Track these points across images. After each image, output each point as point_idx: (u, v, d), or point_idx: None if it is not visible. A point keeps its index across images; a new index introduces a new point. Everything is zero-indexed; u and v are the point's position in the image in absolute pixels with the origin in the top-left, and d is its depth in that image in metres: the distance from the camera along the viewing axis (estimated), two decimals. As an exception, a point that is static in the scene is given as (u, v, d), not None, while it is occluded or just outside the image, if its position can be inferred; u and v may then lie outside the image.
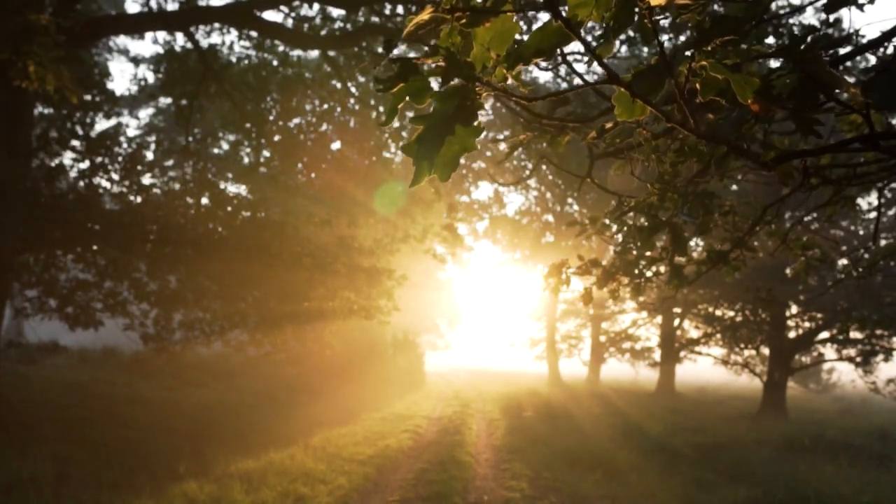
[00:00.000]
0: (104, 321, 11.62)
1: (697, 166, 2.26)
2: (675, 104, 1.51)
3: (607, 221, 3.71)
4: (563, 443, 12.91)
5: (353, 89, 16.11)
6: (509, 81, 1.35)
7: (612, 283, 3.49)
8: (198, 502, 7.30)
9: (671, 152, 2.13)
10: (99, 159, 11.81)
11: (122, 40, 29.36)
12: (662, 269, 3.94)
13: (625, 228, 3.24)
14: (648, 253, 3.78)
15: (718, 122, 1.42)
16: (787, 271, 20.63)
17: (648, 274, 3.59)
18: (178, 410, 13.86)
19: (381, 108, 17.42)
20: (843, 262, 19.45)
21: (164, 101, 27.89)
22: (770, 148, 1.65)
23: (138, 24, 12.55)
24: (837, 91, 1.30)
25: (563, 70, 15.02)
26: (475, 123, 1.26)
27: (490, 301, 50.40)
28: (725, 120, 1.39)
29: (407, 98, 1.33)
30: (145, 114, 31.20)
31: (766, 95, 1.25)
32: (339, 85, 17.35)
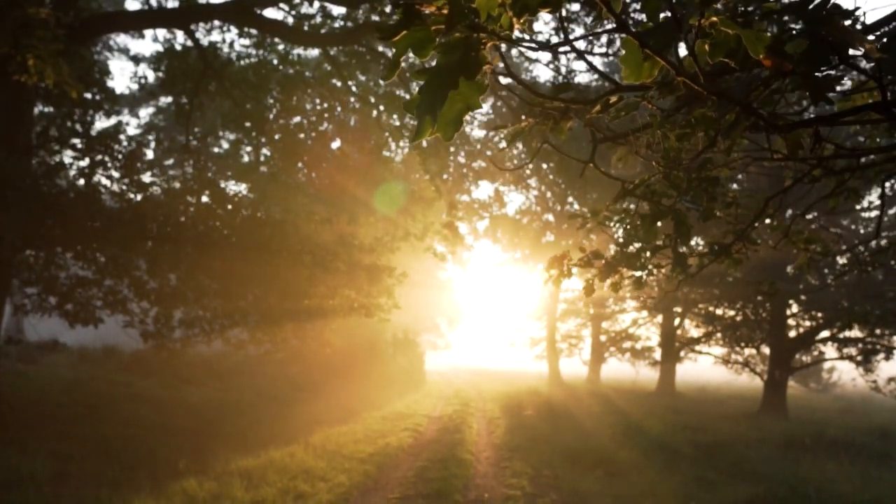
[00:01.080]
0: (104, 319, 11.59)
1: (704, 141, 2.24)
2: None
3: (609, 213, 3.69)
4: (564, 441, 12.89)
5: (353, 87, 16.08)
6: (515, 32, 1.31)
7: (614, 276, 3.47)
8: (198, 499, 7.28)
9: (678, 127, 2.10)
10: (99, 157, 11.79)
11: (122, 39, 29.36)
12: (664, 266, 3.92)
13: (627, 219, 3.22)
14: (647, 246, 3.76)
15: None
16: (789, 269, 20.61)
17: (650, 267, 3.57)
18: (178, 409, 13.85)
19: (382, 107, 17.38)
20: (843, 261, 19.43)
21: (165, 100, 27.88)
22: (779, 119, 1.62)
23: (138, 22, 12.53)
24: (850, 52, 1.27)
25: (563, 69, 15.00)
26: (479, 79, 1.23)
27: (490, 301, 50.30)
28: (736, 82, 1.36)
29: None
30: (145, 113, 31.25)
31: (778, 51, 1.22)
32: (339, 83, 17.33)
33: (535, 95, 2.06)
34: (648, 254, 3.72)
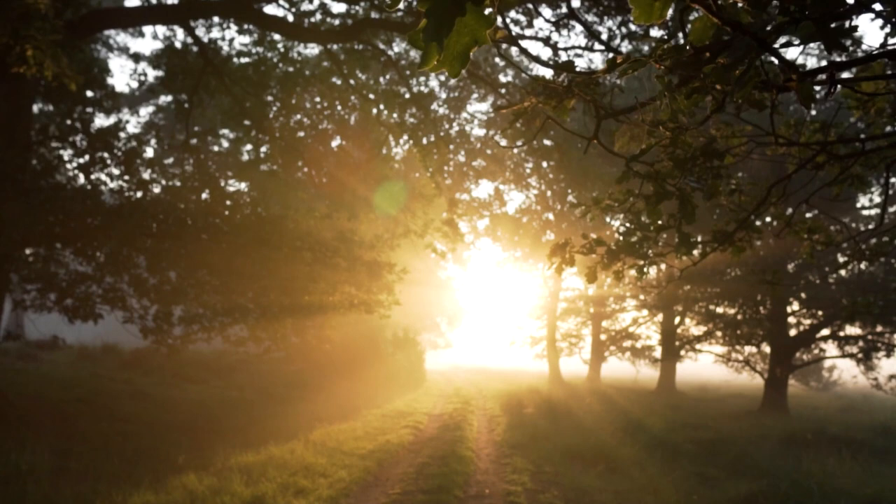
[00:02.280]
0: (104, 316, 11.55)
1: (712, 105, 2.21)
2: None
3: (611, 201, 3.66)
4: (564, 438, 12.86)
5: (353, 84, 16.06)
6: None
7: (616, 264, 3.45)
8: (197, 493, 7.25)
9: (686, 88, 2.05)
10: (98, 154, 11.77)
11: (122, 38, 29.32)
12: (666, 254, 3.89)
13: (631, 199, 3.18)
14: (650, 234, 3.73)
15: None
16: (790, 267, 20.58)
17: (652, 254, 3.54)
18: (178, 406, 13.82)
19: (382, 106, 17.35)
20: (847, 255, 19.41)
21: (165, 99, 27.86)
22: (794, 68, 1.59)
23: (138, 18, 12.50)
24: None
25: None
26: (487, 12, 1.20)
27: (490, 300, 50.24)
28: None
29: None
30: (145, 112, 31.20)
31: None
32: (339, 81, 17.31)
33: (540, 63, 2.03)
34: (649, 245, 3.69)
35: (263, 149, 18.50)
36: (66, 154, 11.78)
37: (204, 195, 12.96)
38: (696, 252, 3.88)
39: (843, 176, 3.41)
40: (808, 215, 15.52)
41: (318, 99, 20.36)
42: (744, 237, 3.63)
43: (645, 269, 3.76)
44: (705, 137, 2.74)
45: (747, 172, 18.33)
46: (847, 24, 1.28)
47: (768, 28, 1.35)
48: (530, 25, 12.32)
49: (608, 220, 23.32)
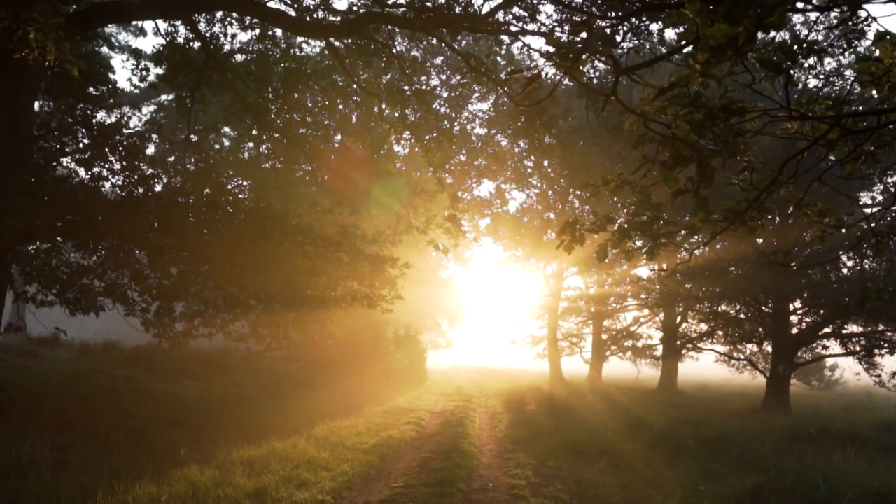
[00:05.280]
0: (106, 311, 11.48)
1: (744, 36, 2.15)
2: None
3: (620, 182, 3.61)
4: (567, 435, 12.83)
5: (356, 80, 16.01)
6: None
7: (626, 243, 3.40)
8: (199, 485, 7.21)
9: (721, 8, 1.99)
10: (100, 149, 11.72)
11: (123, 36, 29.27)
12: (675, 233, 3.84)
13: (644, 164, 3.12)
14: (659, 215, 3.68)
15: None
16: (793, 265, 20.49)
17: (663, 236, 3.49)
18: (180, 402, 13.78)
19: (384, 105, 17.29)
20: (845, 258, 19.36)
21: (166, 97, 27.84)
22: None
23: (139, 12, 12.47)
24: None
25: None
26: None
27: (492, 299, 50.19)
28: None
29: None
30: (147, 110, 31.11)
31: None
32: (340, 79, 17.25)
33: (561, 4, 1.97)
34: (658, 226, 3.64)
35: (265, 146, 18.46)
36: (68, 148, 11.74)
37: (206, 191, 12.89)
38: (703, 240, 3.83)
39: (855, 153, 3.36)
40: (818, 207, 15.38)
41: (319, 97, 20.31)
42: (755, 217, 3.59)
43: (656, 251, 3.71)
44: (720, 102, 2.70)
45: (759, 152, 18.24)
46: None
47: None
48: (533, 20, 12.25)
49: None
